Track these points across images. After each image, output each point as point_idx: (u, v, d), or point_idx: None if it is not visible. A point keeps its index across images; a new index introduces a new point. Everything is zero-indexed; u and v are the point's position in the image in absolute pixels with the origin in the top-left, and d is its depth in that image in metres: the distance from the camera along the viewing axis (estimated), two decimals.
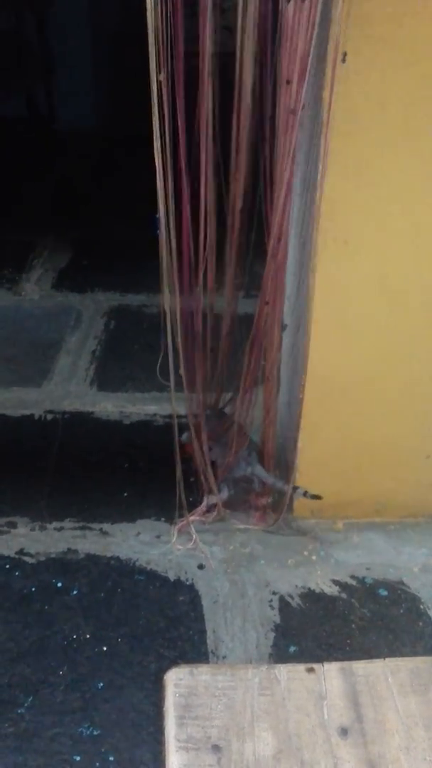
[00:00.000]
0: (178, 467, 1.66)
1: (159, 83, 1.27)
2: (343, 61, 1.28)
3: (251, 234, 1.54)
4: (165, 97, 1.29)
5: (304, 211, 1.54)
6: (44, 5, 4.23)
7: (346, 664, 0.94)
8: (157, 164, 1.33)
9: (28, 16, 4.28)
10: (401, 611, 1.60)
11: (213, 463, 1.76)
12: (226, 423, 1.76)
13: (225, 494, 1.78)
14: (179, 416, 2.15)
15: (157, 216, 1.36)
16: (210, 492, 1.76)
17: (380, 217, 1.45)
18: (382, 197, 1.43)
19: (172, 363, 1.50)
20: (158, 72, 1.26)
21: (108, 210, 3.60)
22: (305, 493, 1.68)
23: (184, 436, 1.75)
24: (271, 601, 1.61)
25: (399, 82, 1.32)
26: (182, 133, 1.35)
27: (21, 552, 1.72)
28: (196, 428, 1.68)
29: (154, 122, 1.29)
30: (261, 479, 1.79)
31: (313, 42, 1.27)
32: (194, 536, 1.74)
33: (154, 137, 1.30)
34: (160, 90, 1.27)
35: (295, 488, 1.71)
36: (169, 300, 1.45)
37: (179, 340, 1.50)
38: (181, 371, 1.57)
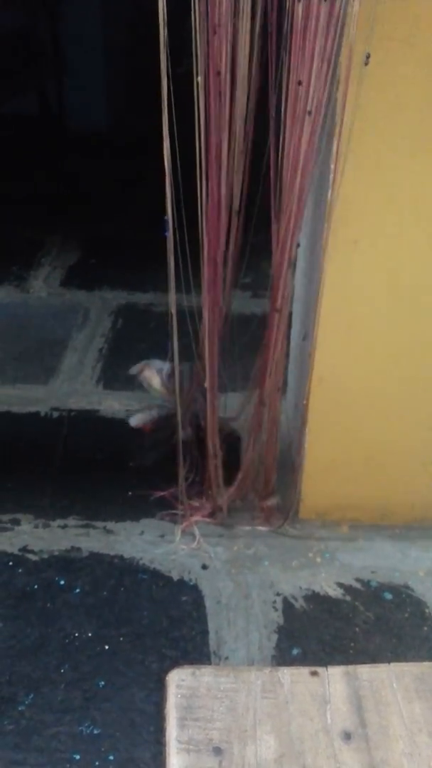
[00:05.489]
0: (180, 467, 1.66)
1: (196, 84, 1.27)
2: (366, 63, 1.25)
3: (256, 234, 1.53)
4: (201, 99, 1.28)
5: (315, 211, 1.53)
6: (57, 4, 4.23)
7: (350, 668, 0.93)
8: (165, 166, 1.32)
9: (41, 14, 4.28)
10: (406, 615, 1.58)
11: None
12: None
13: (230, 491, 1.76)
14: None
15: (166, 218, 1.36)
16: (216, 492, 1.75)
17: (392, 218, 1.43)
18: (394, 198, 1.41)
19: (177, 362, 1.50)
20: (197, 74, 1.27)
21: (117, 209, 3.59)
22: None
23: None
24: (274, 602, 1.60)
25: (416, 82, 1.30)
26: (217, 138, 1.34)
27: (24, 549, 1.71)
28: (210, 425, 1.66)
29: (163, 123, 1.28)
30: None
31: (332, 42, 1.25)
32: (198, 536, 1.74)
33: (163, 138, 1.29)
34: (169, 91, 1.26)
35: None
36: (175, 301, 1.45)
37: (206, 338, 1.49)
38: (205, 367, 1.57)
